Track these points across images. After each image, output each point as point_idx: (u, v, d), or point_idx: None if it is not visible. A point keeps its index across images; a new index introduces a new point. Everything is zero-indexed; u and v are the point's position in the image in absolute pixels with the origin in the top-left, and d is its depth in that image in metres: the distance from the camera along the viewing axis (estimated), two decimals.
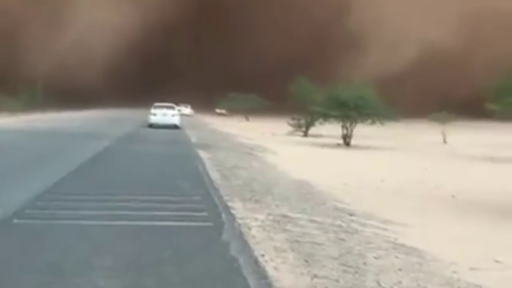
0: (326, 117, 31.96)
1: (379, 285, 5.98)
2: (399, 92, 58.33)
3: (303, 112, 37.67)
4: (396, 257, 7.30)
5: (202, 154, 20.32)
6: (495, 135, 40.40)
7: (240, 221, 8.76)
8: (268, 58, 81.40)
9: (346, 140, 30.79)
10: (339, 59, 77.55)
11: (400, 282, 6.14)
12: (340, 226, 8.97)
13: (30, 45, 79.68)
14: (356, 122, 30.69)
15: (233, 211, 9.55)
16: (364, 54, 78.93)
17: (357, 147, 29.27)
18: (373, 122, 30.59)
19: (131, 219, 8.53)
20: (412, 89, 75.36)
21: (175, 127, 38.47)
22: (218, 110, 78.54)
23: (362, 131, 32.15)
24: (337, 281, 6.03)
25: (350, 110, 29.79)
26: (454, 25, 77.75)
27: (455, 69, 76.64)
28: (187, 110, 70.21)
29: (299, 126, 39.68)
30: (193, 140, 28.04)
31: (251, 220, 8.88)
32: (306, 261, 6.74)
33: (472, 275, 6.75)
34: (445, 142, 34.62)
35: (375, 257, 7.16)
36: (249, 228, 8.32)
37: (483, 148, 29.83)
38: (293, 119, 40.04)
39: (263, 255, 6.87)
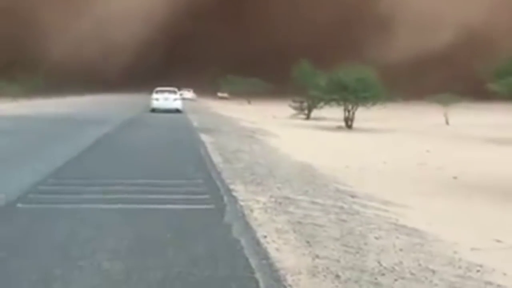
0: (326, 100, 31.97)
1: (380, 265, 6.02)
2: (431, 75, 57.86)
3: (305, 95, 37.66)
4: (397, 237, 7.33)
5: (204, 138, 20.34)
6: (497, 116, 40.36)
7: (242, 203, 8.79)
8: (287, 42, 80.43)
9: (348, 123, 30.80)
10: (367, 41, 76.46)
11: (401, 263, 6.17)
12: (341, 207, 9.00)
13: (49, 30, 79.64)
14: (357, 104, 30.68)
15: (235, 194, 9.58)
16: (394, 37, 77.67)
17: (359, 129, 29.27)
18: (374, 104, 30.59)
19: (132, 203, 8.57)
20: (445, 72, 74.13)
21: (177, 111, 38.45)
22: (220, 94, 78.48)
23: (364, 114, 32.14)
24: (338, 261, 6.06)
25: (349, 93, 29.78)
26: (490, 8, 76.46)
27: (490, 52, 75.27)
28: (189, 94, 70.17)
29: (301, 109, 39.67)
30: (195, 124, 28.05)
31: (253, 203, 8.91)
32: (308, 242, 6.78)
33: (473, 255, 6.78)
34: (447, 123, 34.62)
35: (376, 238, 7.19)
36: (251, 210, 8.35)
37: (485, 129, 29.81)
38: (294, 101, 40.03)
39: (265, 237, 6.90)
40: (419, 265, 6.15)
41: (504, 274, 6.05)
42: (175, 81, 57.95)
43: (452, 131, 29.21)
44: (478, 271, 6.11)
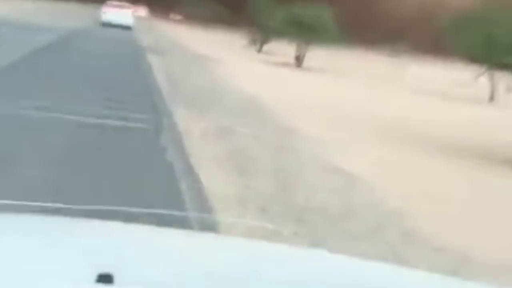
0: (281, 34, 31.78)
1: (307, 200, 6.17)
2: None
3: (260, 27, 37.34)
4: (329, 177, 7.50)
5: (152, 59, 20.08)
6: (446, 71, 40.97)
7: (181, 128, 8.80)
8: None
9: (298, 61, 30.81)
10: None
11: (327, 202, 6.34)
12: (280, 143, 9.11)
13: None
14: (310, 43, 30.65)
15: (175, 118, 9.57)
16: None
17: (308, 68, 29.36)
18: (327, 46, 30.61)
19: (72, 114, 8.48)
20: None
21: (127, 28, 37.65)
22: (172, 15, 76.96)
23: (316, 54, 32.17)
24: (266, 193, 6.18)
25: (305, 30, 29.68)
26: None
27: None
28: (142, 12, 68.59)
29: (254, 42, 39.40)
30: (144, 44, 27.60)
31: (193, 128, 8.93)
32: (240, 173, 6.87)
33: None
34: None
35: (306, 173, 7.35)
36: (190, 136, 8.38)
37: (425, 82, 30.31)
38: (249, 33, 39.68)
39: (198, 163, 6.97)
40: (346, 207, 6.33)
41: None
42: None
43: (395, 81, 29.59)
44: None
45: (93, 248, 1.47)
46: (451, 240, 5.59)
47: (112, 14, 38.59)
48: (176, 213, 3.23)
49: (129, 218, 2.14)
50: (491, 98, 24.38)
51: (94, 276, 1.18)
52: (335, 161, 8.38)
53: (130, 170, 6.28)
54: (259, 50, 38.59)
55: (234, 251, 1.66)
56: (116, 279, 1.17)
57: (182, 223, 3.19)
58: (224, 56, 27.58)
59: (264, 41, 38.54)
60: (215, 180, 6.38)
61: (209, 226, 4.39)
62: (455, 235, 5.82)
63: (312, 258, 1.74)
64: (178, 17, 75.43)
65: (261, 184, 6.51)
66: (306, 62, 30.81)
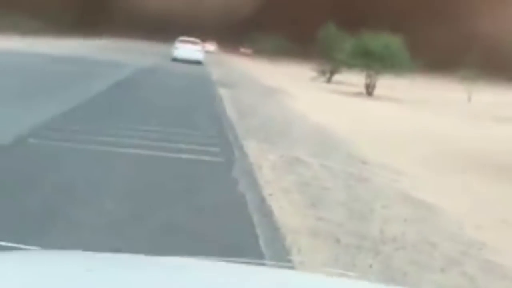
0: (350, 65, 31.64)
1: (382, 233, 6.00)
2: None
3: (329, 59, 37.29)
4: (405, 207, 7.30)
5: (222, 92, 20.29)
6: None
7: (251, 160, 8.78)
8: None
9: (369, 90, 30.55)
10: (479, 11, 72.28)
11: (404, 233, 6.15)
12: (351, 173, 8.96)
13: None
14: (380, 72, 30.37)
15: (246, 150, 9.57)
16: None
17: (379, 97, 29.05)
18: (398, 74, 30.26)
19: (145, 148, 8.59)
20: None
21: (198, 62, 38.35)
22: (242, 50, 77.86)
23: (387, 82, 31.84)
24: (341, 225, 6.05)
25: (374, 60, 29.46)
26: None
27: None
28: (211, 47, 69.74)
29: (323, 73, 39.35)
30: (214, 77, 27.96)
31: (263, 160, 8.90)
32: (313, 204, 6.76)
33: (477, 233, 6.74)
34: (469, 100, 34.21)
35: (383, 206, 7.16)
36: (260, 168, 8.34)
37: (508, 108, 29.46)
38: (319, 65, 39.67)
39: (270, 194, 6.90)
40: (423, 238, 6.13)
41: None
42: (198, 32, 57.45)
43: (472, 108, 28.89)
44: None
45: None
46: None
47: (183, 50, 39.46)
48: (254, 261, 3.16)
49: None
50: None
51: None
52: (418, 195, 8.17)
53: (202, 201, 6.27)
54: (329, 81, 38.49)
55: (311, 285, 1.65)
56: None
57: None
58: (293, 87, 27.62)
59: (333, 71, 38.45)
60: (285, 211, 6.30)
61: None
62: None
63: None
64: (248, 51, 76.20)
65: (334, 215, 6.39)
66: (377, 90, 30.51)
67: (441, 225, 6.80)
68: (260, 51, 70.99)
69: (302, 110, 17.65)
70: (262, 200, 6.63)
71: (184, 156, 8.45)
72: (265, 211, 6.16)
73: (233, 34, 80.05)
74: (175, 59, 38.15)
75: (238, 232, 5.38)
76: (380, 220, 6.50)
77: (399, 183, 8.78)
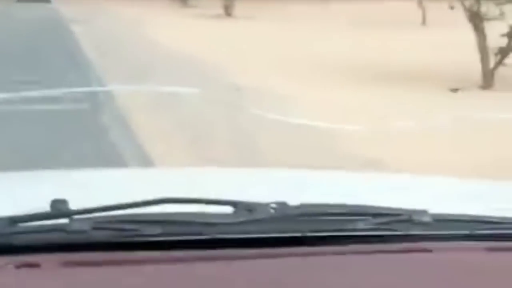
0: None
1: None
2: None
3: None
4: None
5: (76, 29, 19.14)
6: None
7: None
8: None
9: (228, 11, 30.08)
10: None
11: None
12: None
13: None
14: None
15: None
16: None
17: (238, 17, 28.64)
18: None
19: None
20: None
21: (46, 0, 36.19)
22: None
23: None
24: None
25: None
26: None
27: None
28: None
29: None
30: (66, 14, 26.39)
31: None
32: None
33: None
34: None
35: None
36: None
37: None
38: None
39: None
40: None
41: None
42: None
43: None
44: None
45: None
46: None
47: None
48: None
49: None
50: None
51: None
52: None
53: None
54: (185, 5, 37.45)
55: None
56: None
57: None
58: (148, 15, 26.61)
59: None
60: None
61: None
62: None
63: None
64: None
65: None
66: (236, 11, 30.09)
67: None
68: None
69: (158, 35, 16.94)
70: None
71: None
72: None
73: None
74: (19, 0, 35.67)
75: None
76: None
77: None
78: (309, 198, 1.25)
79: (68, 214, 1.13)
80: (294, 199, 1.21)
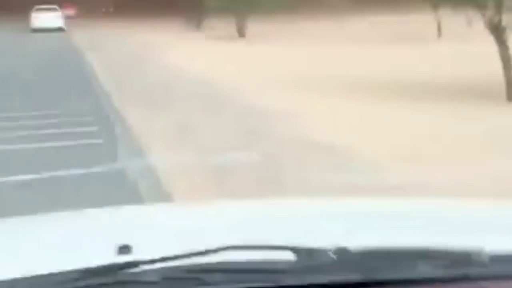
0: (221, 9, 30.99)
1: None
2: None
3: (195, 7, 36.39)
4: None
5: (91, 56, 19.17)
6: None
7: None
8: None
9: (241, 32, 30.26)
10: None
11: None
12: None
13: None
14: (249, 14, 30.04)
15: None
16: None
17: (252, 38, 28.66)
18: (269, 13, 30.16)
19: None
20: None
21: (60, 30, 36.78)
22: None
23: (257, 23, 31.41)
24: None
25: (241, 1, 29.21)
26: None
27: None
28: (71, 11, 65.94)
29: (188, 20, 38.29)
30: (80, 44, 26.54)
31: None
32: None
33: None
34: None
35: None
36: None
37: None
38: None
39: None
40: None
41: None
42: None
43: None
44: None
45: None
46: None
47: (41, 19, 37.85)
48: None
49: None
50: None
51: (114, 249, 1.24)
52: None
53: None
54: (198, 28, 37.58)
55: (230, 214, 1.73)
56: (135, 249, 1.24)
57: None
58: (164, 40, 26.72)
59: (200, 18, 37.53)
60: None
61: None
62: None
63: None
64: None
65: None
66: (248, 32, 30.20)
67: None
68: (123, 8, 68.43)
69: (181, 64, 16.88)
70: None
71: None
72: None
73: None
74: (35, 30, 36.26)
75: None
76: None
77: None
78: (364, 235, 1.31)
79: (136, 264, 1.14)
80: (349, 238, 1.26)
